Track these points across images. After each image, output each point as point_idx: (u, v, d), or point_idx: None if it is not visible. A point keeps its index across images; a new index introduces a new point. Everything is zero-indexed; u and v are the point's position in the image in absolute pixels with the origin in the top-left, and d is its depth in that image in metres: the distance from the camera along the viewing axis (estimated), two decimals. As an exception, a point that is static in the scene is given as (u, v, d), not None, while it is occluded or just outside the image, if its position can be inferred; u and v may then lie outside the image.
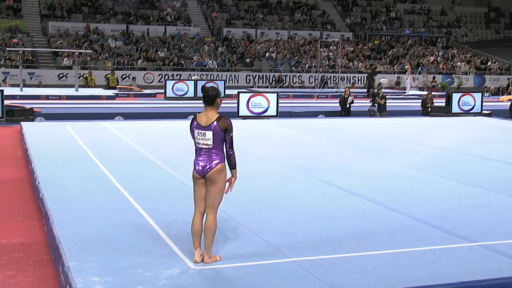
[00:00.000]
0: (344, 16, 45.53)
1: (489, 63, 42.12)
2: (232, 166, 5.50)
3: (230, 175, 5.52)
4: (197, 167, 5.42)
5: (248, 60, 36.20)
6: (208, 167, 5.35)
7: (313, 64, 36.29)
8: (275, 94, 18.58)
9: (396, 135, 14.71)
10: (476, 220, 7.04)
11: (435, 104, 21.53)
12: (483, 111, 20.45)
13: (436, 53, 42.36)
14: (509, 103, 21.87)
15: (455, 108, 20.18)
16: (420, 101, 21.80)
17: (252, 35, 39.32)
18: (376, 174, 9.65)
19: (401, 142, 13.56)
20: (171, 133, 14.37)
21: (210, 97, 5.37)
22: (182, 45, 36.21)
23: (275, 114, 18.11)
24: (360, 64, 37.89)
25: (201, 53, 35.58)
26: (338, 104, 20.73)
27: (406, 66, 32.28)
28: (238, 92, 18.56)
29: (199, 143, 5.42)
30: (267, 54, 37.06)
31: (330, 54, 38.58)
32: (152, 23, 37.88)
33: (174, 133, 14.35)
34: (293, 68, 36.36)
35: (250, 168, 9.91)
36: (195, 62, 34.56)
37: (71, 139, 12.84)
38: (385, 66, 38.71)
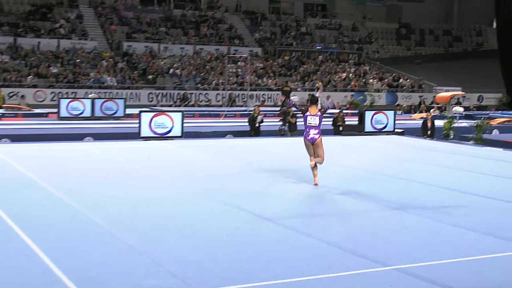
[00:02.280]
0: (253, 31, 46.18)
1: (401, 80, 43.88)
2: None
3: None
4: (308, 138, 10.81)
5: (150, 76, 35.93)
6: (314, 138, 10.74)
7: (221, 81, 36.50)
8: (180, 114, 18.49)
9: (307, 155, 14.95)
10: (392, 243, 7.25)
11: (347, 123, 22.14)
12: (396, 130, 21.23)
13: (348, 69, 43.72)
14: (422, 121, 22.84)
15: (368, 127, 20.83)
16: (331, 119, 22.32)
17: (154, 50, 39.10)
18: (287, 197, 9.76)
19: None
20: (66, 156, 13.97)
21: (316, 100, 10.92)
22: (78, 60, 35.46)
23: (180, 134, 18.00)
24: (270, 81, 38.46)
25: (99, 69, 34.98)
26: (247, 124, 20.91)
27: (317, 84, 32.93)
28: (140, 111, 18.33)
29: (310, 123, 10.73)
30: (171, 70, 36.94)
31: (239, 70, 38.96)
32: (43, 36, 36.90)
33: (69, 156, 13.96)
34: (199, 85, 36.40)
35: (153, 193, 9.80)
36: (92, 79, 33.91)
37: (-50, 164, 12.21)
38: (296, 83, 39.48)
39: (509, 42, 42.41)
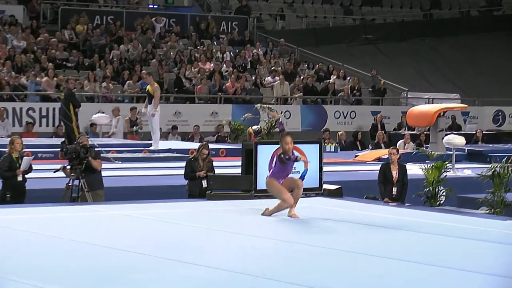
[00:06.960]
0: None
1: (332, 77, 44.48)
2: None
3: None
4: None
5: None
6: None
7: None
8: None
9: (142, 245, 14.92)
10: None
11: (218, 172, 22.19)
12: (325, 186, 21.43)
13: (219, 54, 44.06)
14: (379, 167, 23.08)
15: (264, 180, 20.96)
16: (184, 165, 22.22)
17: None
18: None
19: (149, 259, 13.73)
20: None
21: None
22: None
23: None
24: (45, 79, 38.13)
25: None
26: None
27: (149, 85, 32.33)
28: None
29: None
30: None
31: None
32: None
33: None
34: None
35: None
36: None
37: None
38: (102, 84, 39.25)
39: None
